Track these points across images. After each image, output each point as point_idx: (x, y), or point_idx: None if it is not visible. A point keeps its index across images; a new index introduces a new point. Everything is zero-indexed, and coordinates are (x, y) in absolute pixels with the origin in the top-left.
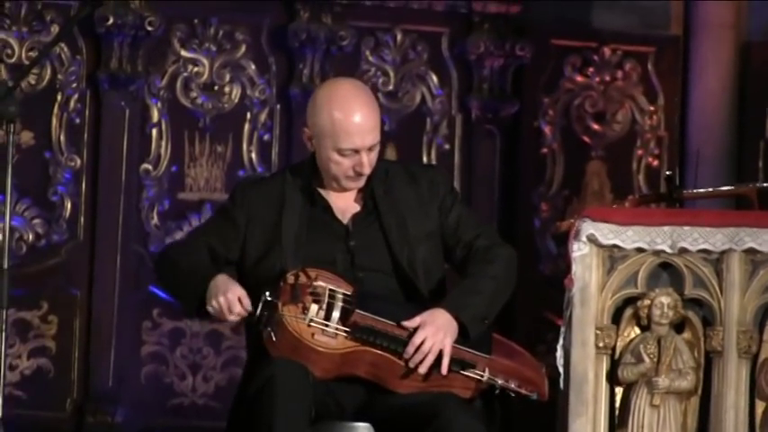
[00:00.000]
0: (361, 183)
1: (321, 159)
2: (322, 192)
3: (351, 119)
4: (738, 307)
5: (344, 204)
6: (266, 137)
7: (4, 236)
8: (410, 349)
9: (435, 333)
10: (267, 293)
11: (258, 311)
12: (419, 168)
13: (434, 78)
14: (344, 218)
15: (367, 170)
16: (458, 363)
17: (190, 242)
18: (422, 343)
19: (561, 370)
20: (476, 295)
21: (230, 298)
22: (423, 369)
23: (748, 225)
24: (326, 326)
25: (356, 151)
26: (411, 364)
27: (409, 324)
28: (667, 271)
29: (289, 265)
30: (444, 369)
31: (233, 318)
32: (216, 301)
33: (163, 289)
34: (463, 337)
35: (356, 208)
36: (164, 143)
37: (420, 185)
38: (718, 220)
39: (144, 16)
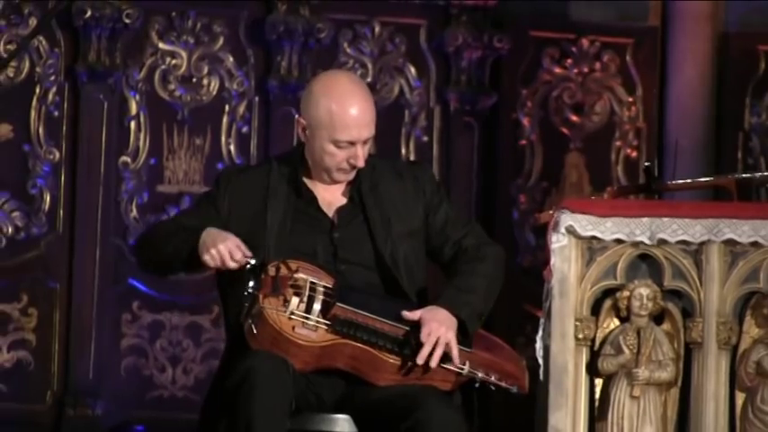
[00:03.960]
0: (352, 176)
1: (314, 150)
2: (308, 183)
3: (349, 111)
4: (718, 298)
5: (330, 197)
6: (245, 129)
7: None
8: (424, 351)
9: (438, 328)
10: (250, 287)
11: (247, 283)
12: (405, 165)
13: (412, 70)
14: (330, 210)
15: (361, 163)
16: None
17: (169, 221)
18: (427, 339)
19: (541, 362)
20: (471, 293)
21: (230, 245)
22: (433, 363)
23: (727, 216)
24: (307, 318)
25: (352, 143)
26: (419, 361)
27: (409, 316)
28: (646, 262)
29: (271, 256)
30: (456, 360)
31: (233, 264)
32: (215, 249)
33: (148, 258)
34: (461, 334)
35: (342, 201)
36: (142, 135)
37: (406, 182)
38: (697, 212)
39: (122, 9)
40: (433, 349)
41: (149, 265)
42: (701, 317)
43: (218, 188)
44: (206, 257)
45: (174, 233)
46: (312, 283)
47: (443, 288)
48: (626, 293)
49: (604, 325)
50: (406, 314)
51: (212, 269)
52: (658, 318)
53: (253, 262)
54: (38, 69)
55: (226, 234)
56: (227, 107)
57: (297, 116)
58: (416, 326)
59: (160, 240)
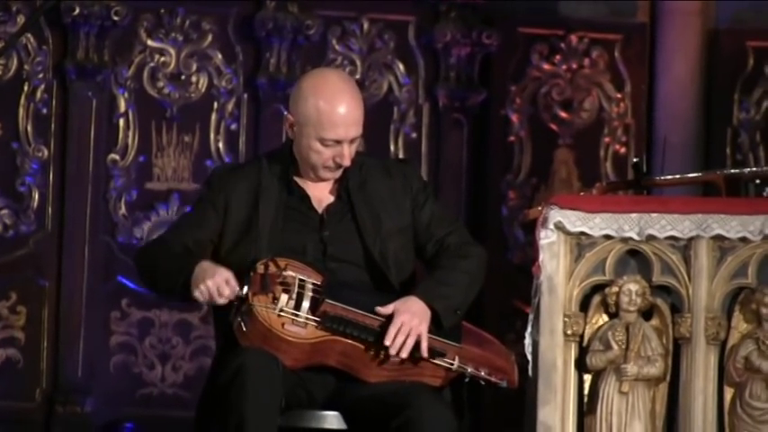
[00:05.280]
0: (338, 174)
1: (301, 147)
2: (299, 181)
3: (336, 109)
4: (706, 293)
5: (320, 195)
6: (233, 126)
7: None
8: (389, 336)
9: (410, 320)
10: (243, 290)
11: (240, 294)
12: (394, 163)
13: (401, 67)
14: (320, 208)
15: (347, 162)
16: (428, 351)
17: (170, 238)
18: (399, 330)
19: (530, 358)
20: (448, 287)
21: (218, 281)
22: (404, 354)
23: (716, 212)
24: (296, 315)
25: (338, 142)
26: (392, 351)
27: (383, 311)
28: (635, 258)
29: (263, 254)
30: (424, 353)
31: (222, 301)
32: (204, 286)
33: (145, 283)
34: (435, 327)
35: (330, 199)
36: (131, 133)
37: (394, 180)
38: (685, 207)
39: (110, 6)
40: (405, 340)
41: (151, 288)
42: (689, 312)
43: (211, 188)
44: (195, 294)
45: (168, 261)
46: (301, 280)
47: (423, 280)
48: (615, 289)
49: (593, 321)
50: (380, 309)
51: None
52: (647, 313)
53: (243, 293)
54: (26, 67)
55: (216, 269)
56: (215, 104)
57: (285, 113)
58: None
59: (155, 267)
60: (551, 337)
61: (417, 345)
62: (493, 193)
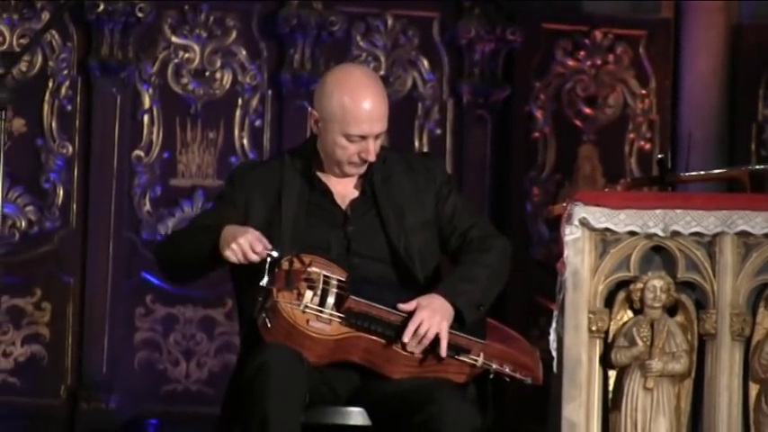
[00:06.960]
0: (363, 169)
1: (326, 143)
2: (321, 176)
3: (361, 105)
4: (731, 290)
5: (343, 190)
6: (257, 123)
7: None
8: (408, 332)
9: (432, 316)
10: (274, 253)
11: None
12: (416, 157)
13: (425, 63)
14: (343, 203)
15: (372, 157)
16: (452, 348)
17: (188, 225)
18: (419, 326)
19: (554, 354)
20: (470, 282)
21: (250, 238)
22: (418, 351)
23: (740, 208)
24: (321, 312)
25: (364, 138)
26: (408, 348)
27: (405, 307)
28: (660, 254)
29: (287, 251)
30: (443, 352)
31: (255, 257)
32: (236, 244)
33: (168, 268)
34: (458, 323)
35: (354, 194)
36: (155, 129)
37: (417, 174)
38: (710, 204)
39: (134, 2)
40: (423, 337)
41: (172, 270)
42: (714, 308)
43: (232, 185)
44: (227, 252)
45: (192, 235)
46: (326, 276)
47: (445, 277)
48: (639, 285)
49: (618, 317)
50: (402, 306)
51: (235, 264)
52: (672, 309)
53: (274, 254)
54: (50, 63)
55: (245, 228)
56: (240, 101)
57: (310, 109)
58: None
59: (180, 243)
60: (576, 333)
61: (438, 342)
62: (517, 189)
